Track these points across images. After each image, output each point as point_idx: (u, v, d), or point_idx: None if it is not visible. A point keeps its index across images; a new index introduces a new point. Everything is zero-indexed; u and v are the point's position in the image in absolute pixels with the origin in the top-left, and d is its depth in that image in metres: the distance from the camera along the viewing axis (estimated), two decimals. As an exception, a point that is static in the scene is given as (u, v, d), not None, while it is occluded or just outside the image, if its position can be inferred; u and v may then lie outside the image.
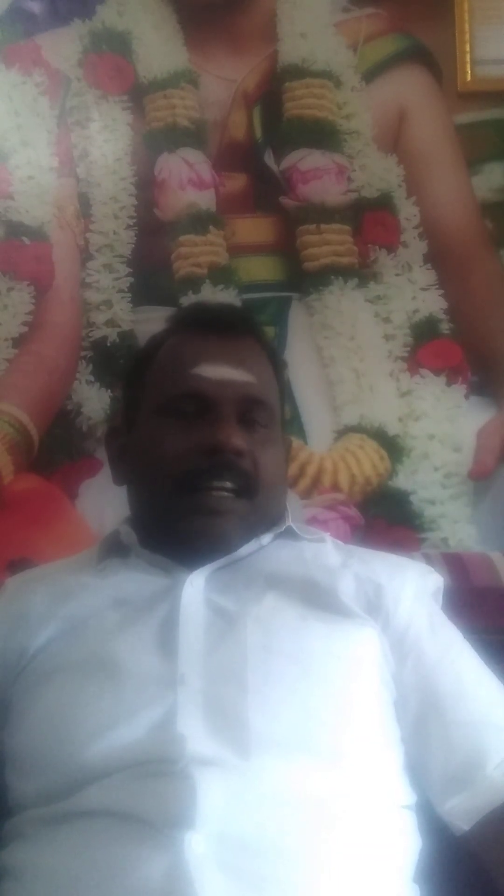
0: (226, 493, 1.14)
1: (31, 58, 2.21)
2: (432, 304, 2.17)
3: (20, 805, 1.05)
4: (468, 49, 2.22)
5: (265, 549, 1.19)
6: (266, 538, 1.20)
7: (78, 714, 1.03)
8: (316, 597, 1.13)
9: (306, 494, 2.03)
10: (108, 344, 2.14)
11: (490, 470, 2.08)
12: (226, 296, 2.12)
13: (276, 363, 1.28)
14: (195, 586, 1.12)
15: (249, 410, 1.18)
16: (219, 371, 1.18)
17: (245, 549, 1.17)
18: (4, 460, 2.02)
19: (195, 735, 0.99)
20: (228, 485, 1.14)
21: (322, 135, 2.19)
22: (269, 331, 2.12)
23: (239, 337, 1.23)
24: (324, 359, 2.16)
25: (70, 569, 1.24)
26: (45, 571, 1.30)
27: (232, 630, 1.08)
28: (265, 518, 1.19)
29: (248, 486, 1.15)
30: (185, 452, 1.15)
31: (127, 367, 1.34)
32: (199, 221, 2.17)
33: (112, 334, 2.14)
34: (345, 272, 2.16)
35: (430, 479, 2.07)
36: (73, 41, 2.24)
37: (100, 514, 1.94)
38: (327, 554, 1.21)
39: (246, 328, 1.26)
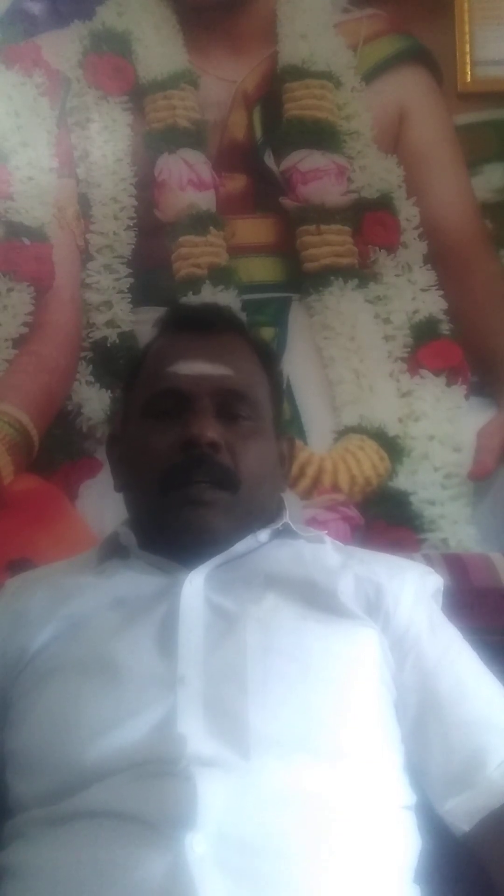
0: (206, 485, 1.15)
1: (31, 58, 2.21)
2: (432, 304, 2.17)
3: (21, 805, 1.05)
4: (468, 49, 2.22)
5: (264, 549, 1.20)
6: (263, 535, 1.20)
7: (78, 714, 1.04)
8: (315, 597, 1.13)
9: (306, 495, 2.03)
10: (108, 344, 2.13)
11: (490, 470, 2.08)
12: (226, 296, 2.12)
13: (267, 360, 1.28)
14: (194, 586, 1.13)
15: (229, 403, 1.19)
16: (194, 367, 1.19)
17: (242, 547, 1.18)
18: (4, 460, 2.02)
19: (195, 735, 0.99)
20: (206, 480, 1.15)
21: (322, 135, 2.19)
22: (269, 331, 2.12)
23: (217, 333, 1.24)
24: (324, 359, 2.15)
25: (70, 570, 1.25)
26: (45, 572, 1.30)
27: (231, 630, 1.08)
28: (252, 510, 1.19)
29: (227, 479, 1.16)
30: (166, 450, 1.16)
31: (124, 375, 1.35)
32: (199, 222, 2.16)
33: (112, 335, 2.14)
34: (345, 273, 2.16)
35: (430, 480, 2.07)
36: (74, 42, 2.23)
37: (100, 514, 1.94)
38: (327, 554, 1.21)
39: (226, 325, 1.27)
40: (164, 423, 1.18)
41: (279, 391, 1.31)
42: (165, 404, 1.19)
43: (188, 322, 1.27)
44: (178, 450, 1.15)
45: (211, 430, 1.15)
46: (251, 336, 1.30)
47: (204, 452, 1.15)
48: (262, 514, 1.21)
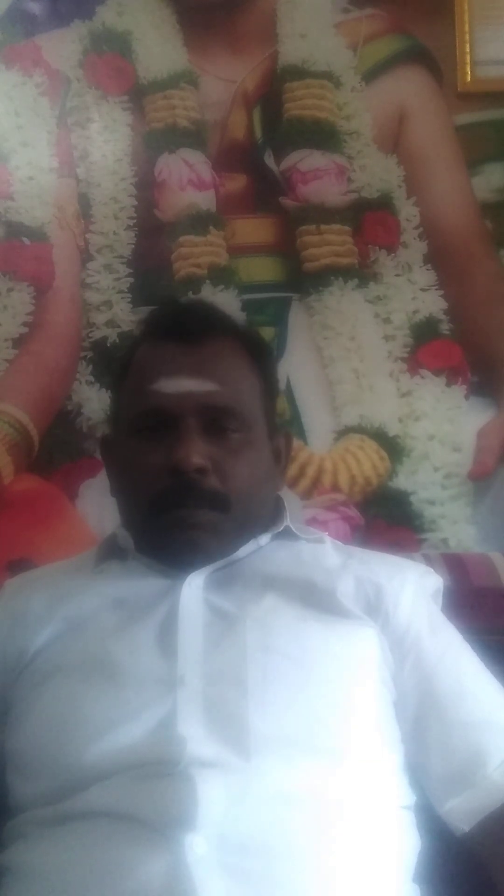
0: (197, 508, 1.13)
1: (32, 58, 2.21)
2: (432, 304, 2.17)
3: (21, 806, 1.05)
4: (468, 49, 2.22)
5: (263, 550, 1.20)
6: (264, 539, 1.20)
7: (78, 715, 1.04)
8: (315, 598, 1.13)
9: (306, 495, 2.03)
10: (108, 344, 2.13)
11: (490, 470, 2.08)
12: (226, 296, 2.11)
13: (259, 359, 1.24)
14: (193, 587, 1.13)
15: (216, 419, 1.15)
16: (176, 384, 1.15)
17: (243, 550, 1.18)
18: (4, 460, 2.02)
19: (195, 736, 0.99)
20: (195, 507, 1.13)
21: (322, 135, 2.19)
22: (269, 331, 2.12)
23: (201, 342, 1.19)
24: (324, 359, 2.15)
25: (69, 570, 1.25)
26: (45, 573, 1.30)
27: (231, 631, 1.08)
28: (245, 524, 1.17)
29: (217, 502, 1.14)
30: (154, 472, 1.14)
31: (112, 373, 1.32)
32: (199, 222, 2.16)
33: (112, 335, 2.14)
34: (345, 272, 2.16)
35: (430, 480, 2.07)
36: (74, 41, 2.23)
37: (100, 514, 1.94)
38: (326, 555, 1.21)
39: (211, 331, 1.21)
40: (150, 442, 1.15)
41: (273, 387, 1.27)
42: (151, 423, 1.16)
43: (170, 329, 1.21)
44: (166, 473, 1.13)
45: (196, 456, 1.12)
46: (241, 333, 1.25)
47: (191, 478, 1.12)
48: (258, 520, 1.20)
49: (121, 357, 1.28)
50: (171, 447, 1.13)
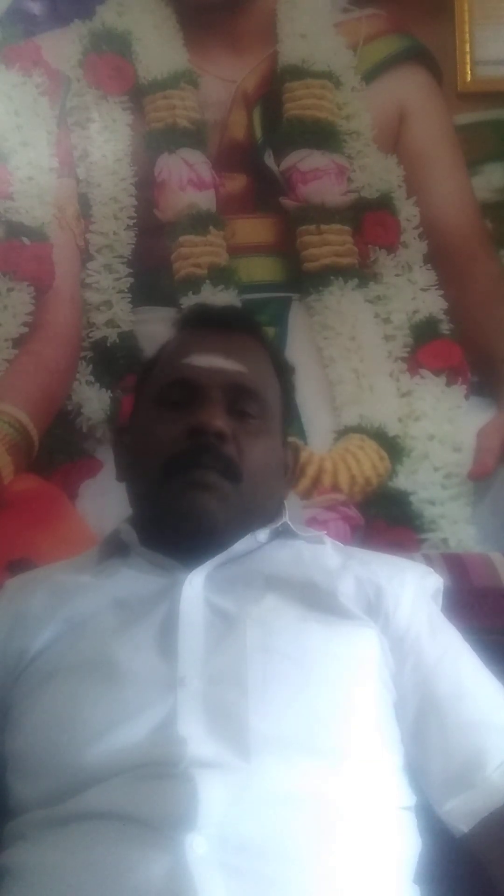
0: (209, 470, 1.15)
1: (31, 58, 2.21)
2: (432, 304, 2.17)
3: (21, 807, 1.05)
4: (468, 49, 2.23)
5: (264, 549, 1.20)
6: (262, 535, 1.20)
7: (78, 716, 1.04)
8: (315, 598, 1.13)
9: (306, 495, 2.02)
10: (108, 344, 2.13)
11: (490, 470, 2.08)
12: (226, 296, 2.12)
13: (280, 366, 1.30)
14: (194, 586, 1.13)
15: (239, 400, 1.20)
16: (208, 360, 1.20)
17: (241, 547, 1.18)
18: (4, 460, 2.02)
19: (195, 737, 0.99)
20: (211, 465, 1.15)
21: (322, 135, 2.19)
22: (269, 331, 2.12)
23: (235, 332, 1.26)
24: (324, 359, 2.15)
25: (70, 570, 1.25)
26: (45, 573, 1.30)
27: (231, 631, 1.08)
28: (251, 506, 1.19)
29: (230, 470, 1.16)
30: (173, 437, 1.17)
31: (139, 371, 1.36)
32: (199, 222, 2.16)
33: (112, 335, 2.14)
34: (345, 272, 2.16)
35: (430, 480, 2.07)
36: (73, 41, 2.24)
37: (100, 514, 1.94)
38: (327, 555, 1.21)
39: (245, 327, 1.29)
40: (174, 412, 1.19)
41: (290, 399, 1.32)
42: (177, 394, 1.20)
43: (207, 319, 1.30)
44: (184, 437, 1.16)
45: (219, 420, 1.16)
46: (268, 341, 1.32)
47: (210, 441, 1.15)
48: (262, 512, 1.21)
49: (137, 355, 1.32)
50: (193, 414, 1.17)
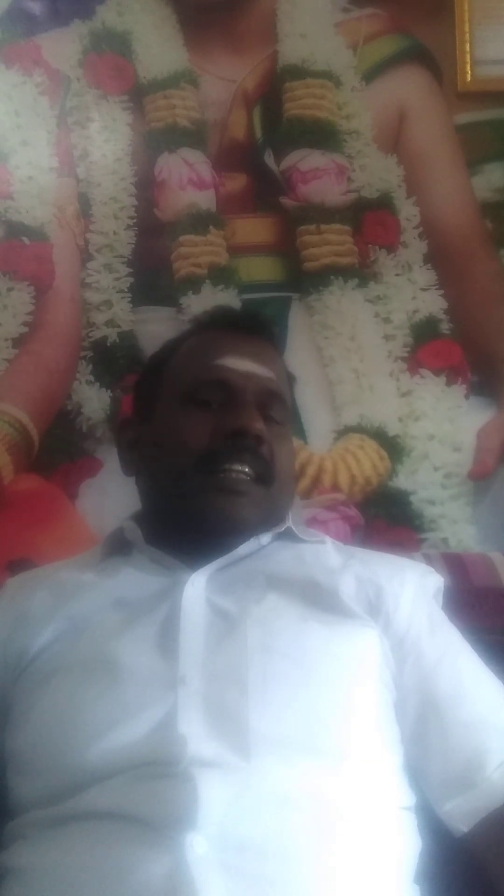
0: (244, 476, 1.17)
1: (31, 58, 2.21)
2: (432, 304, 2.17)
3: (21, 806, 1.05)
4: (468, 49, 2.22)
5: (265, 550, 1.20)
6: (265, 538, 1.20)
7: (79, 715, 1.04)
8: (317, 598, 1.13)
9: (306, 494, 2.02)
10: (108, 344, 2.13)
11: (490, 470, 2.08)
12: (226, 296, 2.12)
13: (288, 373, 1.32)
14: (196, 587, 1.13)
15: (269, 405, 1.22)
16: (244, 363, 1.22)
17: (245, 549, 1.18)
18: (4, 460, 2.02)
19: (196, 736, 0.99)
20: (247, 469, 1.17)
21: (322, 135, 2.19)
22: (269, 331, 2.12)
23: (261, 338, 1.29)
24: (324, 359, 2.15)
25: (71, 569, 1.25)
26: (46, 571, 1.30)
27: (232, 631, 1.08)
28: (276, 509, 1.21)
29: (265, 473, 1.18)
30: (207, 434, 1.18)
31: (147, 362, 1.37)
32: (199, 221, 2.16)
33: (112, 334, 2.14)
34: (345, 272, 2.16)
35: (430, 480, 2.07)
36: (73, 41, 2.24)
37: (100, 514, 1.94)
38: (328, 555, 1.21)
39: (267, 334, 1.32)
40: (205, 411, 1.20)
41: (292, 395, 1.34)
42: (210, 394, 1.21)
43: (235, 322, 1.32)
44: (219, 436, 1.17)
45: (259, 423, 1.18)
46: (280, 348, 1.36)
47: (250, 444, 1.17)
48: (282, 514, 1.23)
49: (164, 346, 1.33)
50: (227, 415, 1.18)
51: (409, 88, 2.25)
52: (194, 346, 1.28)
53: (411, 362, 2.14)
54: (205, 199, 2.18)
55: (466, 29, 2.21)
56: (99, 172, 2.20)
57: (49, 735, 1.04)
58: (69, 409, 2.11)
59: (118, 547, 1.23)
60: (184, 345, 1.29)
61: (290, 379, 1.32)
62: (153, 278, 2.17)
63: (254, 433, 1.17)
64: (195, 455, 1.17)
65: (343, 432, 2.10)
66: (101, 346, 2.14)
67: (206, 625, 1.09)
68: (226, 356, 1.23)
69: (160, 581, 1.16)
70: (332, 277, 2.16)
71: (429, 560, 1.77)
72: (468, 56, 2.22)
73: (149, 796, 0.96)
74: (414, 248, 2.19)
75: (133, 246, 2.18)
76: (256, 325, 1.31)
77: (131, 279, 2.17)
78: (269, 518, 1.20)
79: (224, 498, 1.16)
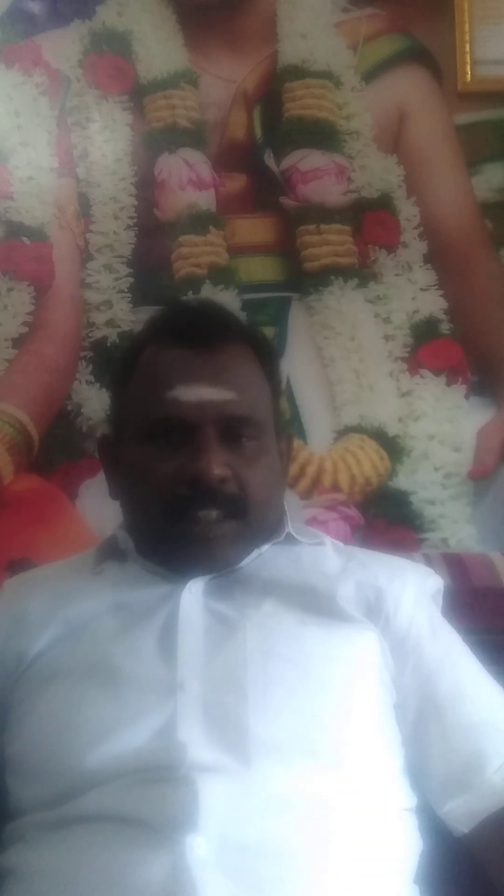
0: (213, 519, 1.12)
1: (31, 58, 2.21)
2: (432, 304, 2.17)
3: (21, 809, 1.05)
4: (468, 49, 2.22)
5: (263, 555, 1.19)
6: (264, 547, 1.19)
7: (78, 720, 1.04)
8: (315, 602, 1.13)
9: (306, 495, 2.03)
10: (109, 344, 2.13)
11: (490, 470, 2.08)
12: (226, 296, 2.11)
13: (267, 361, 1.22)
14: (194, 592, 1.12)
15: (234, 427, 1.14)
16: (196, 392, 1.13)
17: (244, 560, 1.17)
18: (4, 460, 2.02)
19: (196, 742, 0.99)
20: (215, 512, 1.12)
21: (322, 135, 2.19)
22: (269, 331, 2.12)
23: (216, 348, 1.16)
24: (324, 359, 2.15)
25: (68, 571, 1.24)
26: (43, 573, 1.30)
27: (231, 636, 1.08)
28: (260, 532, 1.17)
29: (236, 509, 1.13)
30: (169, 479, 1.12)
31: (111, 371, 1.30)
32: (199, 221, 2.16)
33: (112, 335, 2.14)
34: (345, 272, 2.16)
35: (430, 480, 2.07)
36: (74, 41, 2.23)
37: (100, 514, 1.94)
38: (326, 558, 1.21)
39: (222, 335, 1.18)
40: (165, 450, 1.13)
41: (278, 388, 1.26)
42: (166, 431, 1.13)
43: (184, 334, 1.17)
44: (182, 482, 1.11)
45: (217, 466, 1.11)
46: (249, 335, 1.22)
47: (212, 487, 1.11)
48: (269, 527, 1.19)
49: (122, 356, 1.25)
50: (188, 456, 1.12)
51: (409, 88, 2.25)
52: (147, 367, 1.18)
53: (411, 362, 2.14)
54: (205, 200, 2.18)
55: (466, 29, 2.21)
56: (99, 172, 2.20)
57: (48, 740, 1.04)
58: (69, 409, 2.11)
59: (113, 554, 1.22)
60: (140, 359, 1.19)
61: (269, 360, 1.23)
62: (153, 278, 2.17)
63: (212, 478, 1.10)
64: (161, 504, 1.12)
65: (343, 432, 2.10)
66: (101, 346, 2.14)
67: (205, 630, 1.09)
68: (175, 386, 1.13)
69: (158, 586, 1.15)
70: (332, 277, 2.15)
71: (429, 560, 1.78)
72: (468, 56, 2.21)
73: (149, 799, 0.96)
74: (414, 248, 2.19)
75: (133, 246, 2.18)
76: (210, 335, 1.17)
77: (131, 279, 2.17)
78: (254, 542, 1.17)
79: (199, 545, 1.12)
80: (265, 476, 1.16)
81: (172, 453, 1.13)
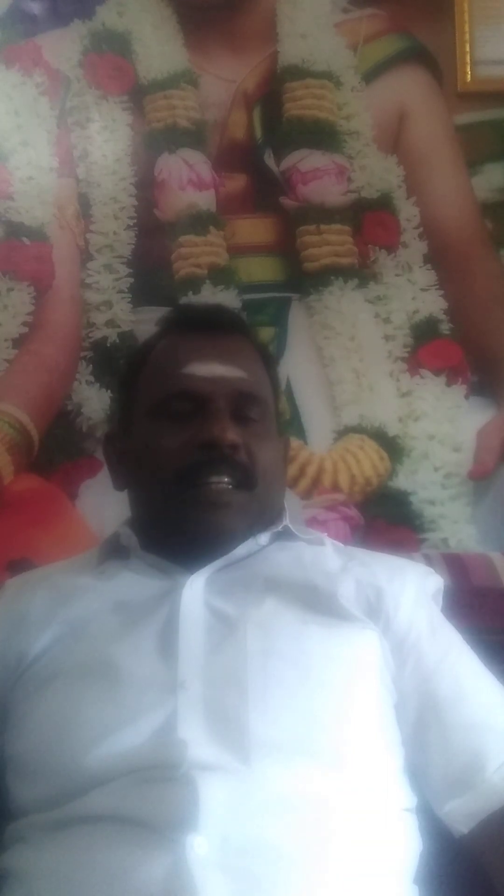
0: (224, 486, 1.15)
1: (31, 58, 2.21)
2: (432, 304, 2.17)
3: (21, 809, 1.05)
4: (468, 49, 2.22)
5: (264, 552, 1.20)
6: (264, 538, 1.20)
7: (78, 719, 1.03)
8: (316, 601, 1.13)
9: (306, 495, 2.03)
10: (108, 344, 2.13)
11: (490, 470, 2.08)
12: (226, 296, 2.12)
13: (267, 360, 1.29)
14: (194, 589, 1.13)
15: (242, 406, 1.19)
16: (209, 368, 1.19)
17: (243, 550, 1.18)
18: (4, 460, 2.02)
19: (196, 740, 0.99)
20: (226, 479, 1.15)
21: (322, 135, 2.19)
22: (269, 331, 2.13)
23: (227, 334, 1.25)
24: (324, 359, 2.16)
25: (70, 570, 1.25)
26: (45, 573, 1.29)
27: (232, 634, 1.08)
28: (266, 510, 1.20)
29: (245, 478, 1.16)
30: (180, 448, 1.16)
31: (120, 371, 1.35)
32: (199, 222, 2.16)
33: (112, 335, 2.14)
34: (345, 272, 2.16)
35: (430, 480, 2.07)
36: (74, 41, 2.23)
37: (100, 514, 1.94)
38: (327, 557, 1.21)
39: (234, 326, 1.28)
40: (177, 423, 1.18)
41: (278, 392, 1.31)
42: (179, 405, 1.18)
43: (197, 322, 1.27)
44: (193, 449, 1.15)
45: (231, 432, 1.16)
46: (255, 337, 1.31)
47: (224, 453, 1.15)
48: (271, 512, 1.22)
49: (136, 352, 1.30)
50: (199, 426, 1.16)
51: (409, 89, 2.25)
52: (160, 355, 1.25)
53: (411, 362, 2.14)
54: (205, 200, 2.18)
55: (466, 29, 2.21)
56: (99, 172, 2.20)
57: (49, 740, 1.04)
58: (69, 409, 2.12)
59: (115, 551, 1.23)
60: (152, 353, 1.26)
61: (270, 362, 1.30)
62: (153, 278, 2.17)
63: (226, 443, 1.15)
64: (172, 470, 1.16)
65: (343, 432, 2.11)
66: (101, 346, 2.14)
67: (206, 628, 1.09)
68: (190, 363, 1.20)
69: (159, 584, 1.16)
70: (332, 278, 2.16)
71: (429, 560, 1.78)
72: (468, 56, 2.22)
73: (149, 799, 0.96)
74: (414, 248, 2.19)
75: (133, 246, 2.18)
76: (221, 322, 1.27)
77: (131, 279, 2.17)
78: (260, 519, 1.19)
79: (208, 511, 1.15)
80: (271, 456, 1.21)
81: (183, 426, 1.17)
